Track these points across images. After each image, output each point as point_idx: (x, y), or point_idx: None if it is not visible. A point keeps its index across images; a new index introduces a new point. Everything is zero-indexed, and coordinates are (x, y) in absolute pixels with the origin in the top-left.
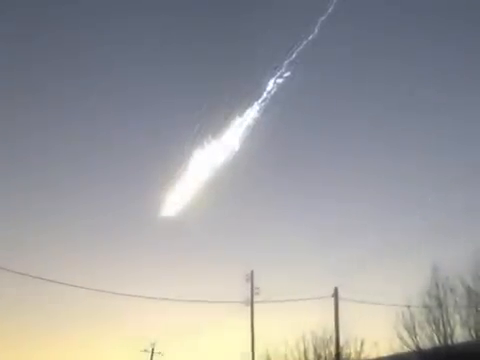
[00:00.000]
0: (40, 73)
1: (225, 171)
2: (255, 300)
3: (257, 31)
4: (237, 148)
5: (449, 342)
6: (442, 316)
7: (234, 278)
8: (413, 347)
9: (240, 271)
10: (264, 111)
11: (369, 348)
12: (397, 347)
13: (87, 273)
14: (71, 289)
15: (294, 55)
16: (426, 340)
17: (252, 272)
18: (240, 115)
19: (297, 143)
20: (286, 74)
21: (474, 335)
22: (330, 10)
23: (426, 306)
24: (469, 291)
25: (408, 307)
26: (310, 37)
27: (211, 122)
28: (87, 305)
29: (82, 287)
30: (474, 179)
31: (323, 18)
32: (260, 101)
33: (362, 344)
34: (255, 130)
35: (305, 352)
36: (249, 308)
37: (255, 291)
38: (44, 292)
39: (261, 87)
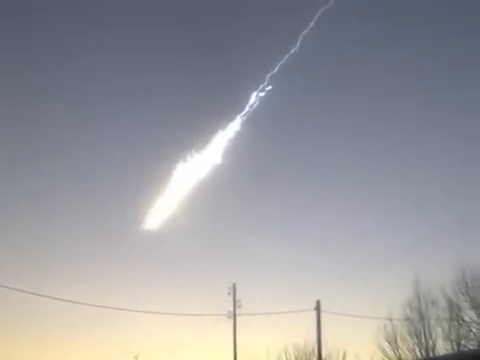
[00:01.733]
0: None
1: (207, 184)
2: (237, 313)
3: (240, 45)
4: (219, 161)
5: (431, 354)
6: (424, 328)
7: (216, 291)
8: (395, 359)
9: (223, 284)
10: (246, 124)
11: None
12: (379, 359)
13: (70, 285)
14: (52, 300)
15: (276, 69)
16: (408, 352)
17: (234, 285)
18: (223, 128)
19: (279, 156)
20: (268, 87)
21: (456, 348)
22: (312, 24)
23: (408, 319)
24: (451, 304)
25: (390, 320)
26: (292, 51)
27: (194, 135)
28: (68, 317)
29: (61, 299)
30: (456, 193)
31: (305, 32)
32: (242, 114)
33: (344, 356)
34: (237, 143)
35: None
36: (231, 321)
37: (237, 304)
38: (21, 303)
39: (243, 100)
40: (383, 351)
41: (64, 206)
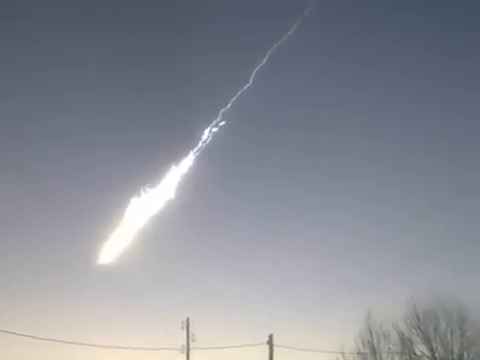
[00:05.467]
0: None
1: (161, 219)
2: (191, 347)
3: (193, 81)
4: (173, 196)
5: None
6: None
7: (170, 325)
8: None
9: (176, 318)
10: (199, 160)
11: None
12: None
13: (22, 318)
14: (5, 334)
15: (229, 104)
16: None
17: (188, 319)
18: (176, 164)
19: (232, 191)
20: (221, 123)
21: None
22: (265, 61)
23: (360, 352)
24: (402, 338)
25: (342, 354)
26: (245, 87)
27: (148, 171)
28: (21, 351)
29: (13, 333)
30: (410, 227)
31: (258, 68)
32: (195, 150)
33: None
34: (190, 179)
35: None
36: (185, 355)
37: (191, 338)
38: None
39: (197, 136)
40: None
41: (17, 240)
